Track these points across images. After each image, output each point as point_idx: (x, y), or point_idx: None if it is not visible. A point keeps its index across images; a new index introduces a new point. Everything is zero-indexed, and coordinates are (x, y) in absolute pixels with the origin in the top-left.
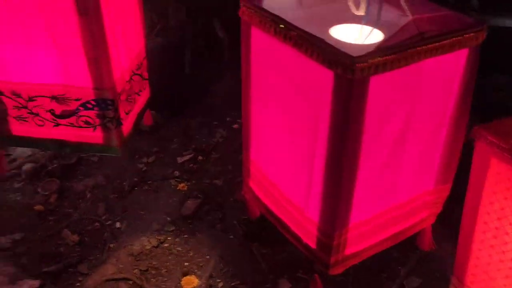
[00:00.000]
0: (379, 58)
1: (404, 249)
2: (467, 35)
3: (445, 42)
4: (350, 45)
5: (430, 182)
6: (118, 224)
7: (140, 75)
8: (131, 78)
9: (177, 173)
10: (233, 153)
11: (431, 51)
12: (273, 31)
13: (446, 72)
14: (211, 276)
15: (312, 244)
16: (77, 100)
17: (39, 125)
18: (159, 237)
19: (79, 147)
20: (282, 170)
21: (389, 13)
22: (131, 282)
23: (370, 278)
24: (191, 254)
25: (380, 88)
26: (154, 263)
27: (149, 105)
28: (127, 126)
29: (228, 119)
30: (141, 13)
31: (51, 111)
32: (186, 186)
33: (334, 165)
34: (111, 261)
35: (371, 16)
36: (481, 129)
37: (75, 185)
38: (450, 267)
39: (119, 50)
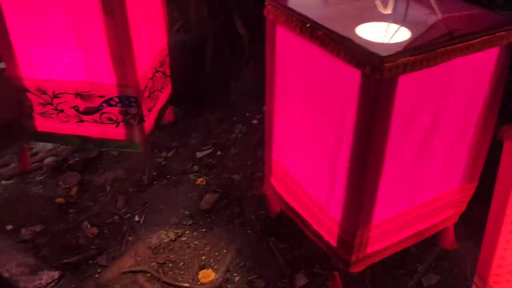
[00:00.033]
0: (408, 58)
1: (423, 245)
2: (498, 34)
3: (475, 41)
4: (378, 44)
5: (456, 181)
6: (137, 218)
7: (163, 72)
8: (153, 75)
9: (196, 167)
10: (251, 148)
11: (461, 50)
12: (299, 30)
13: (475, 71)
14: (228, 270)
15: (333, 242)
16: (101, 97)
17: (64, 122)
18: (177, 231)
19: (101, 143)
20: (305, 168)
21: (416, 11)
22: (148, 274)
23: (388, 274)
24: (208, 248)
25: (408, 87)
26: (172, 256)
27: (171, 101)
28: (149, 122)
29: (247, 114)
30: (164, 10)
31: (75, 108)
32: (205, 181)
33: (358, 165)
34: (129, 254)
35: (398, 14)
36: (510, 128)
37: (95, 179)
38: (469, 264)
39: (143, 48)
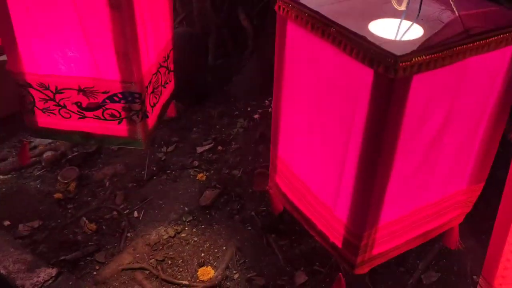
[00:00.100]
0: (423, 57)
1: (423, 243)
2: None
3: (491, 39)
4: (392, 42)
5: (464, 181)
6: (136, 213)
7: (167, 67)
8: (157, 71)
9: (196, 163)
10: (253, 143)
11: (476, 49)
12: (310, 26)
13: (489, 70)
14: (227, 268)
15: (339, 243)
16: (104, 93)
17: (65, 118)
18: (177, 227)
19: (103, 139)
20: (311, 167)
21: (429, 7)
22: (147, 272)
23: (388, 272)
24: (207, 244)
25: (421, 87)
26: (171, 253)
27: (174, 96)
28: (152, 118)
29: (249, 109)
30: (170, 3)
31: (78, 104)
32: (205, 176)
33: (367, 166)
34: (128, 251)
35: (410, 10)
36: None
37: (94, 174)
38: (469, 262)
39: (148, 43)
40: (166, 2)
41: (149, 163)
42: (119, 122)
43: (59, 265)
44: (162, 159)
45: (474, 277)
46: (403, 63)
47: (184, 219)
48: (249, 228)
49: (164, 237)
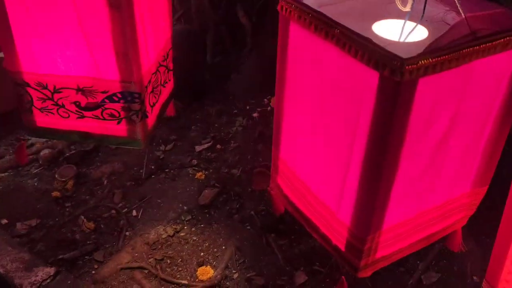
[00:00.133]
0: (429, 60)
1: None
2: None
3: (499, 41)
4: (398, 44)
5: (468, 184)
6: (134, 212)
7: (166, 66)
8: (157, 70)
9: (195, 161)
10: (252, 142)
11: (483, 51)
12: (314, 27)
13: (494, 72)
14: (226, 267)
15: (342, 247)
16: (103, 92)
17: (64, 117)
18: (175, 226)
19: (102, 139)
20: (314, 169)
21: (433, 8)
22: (146, 271)
23: (388, 272)
24: (207, 244)
25: (427, 90)
26: (170, 252)
27: (173, 96)
28: (151, 118)
29: (248, 107)
30: (169, 2)
31: (77, 103)
32: (204, 175)
33: (372, 169)
34: (127, 250)
35: (415, 11)
36: None
37: (92, 172)
38: (469, 262)
39: (148, 42)
40: (165, 0)
41: (148, 162)
42: (118, 122)
43: (57, 264)
44: (161, 157)
45: (475, 277)
46: (410, 66)
47: (183, 218)
48: (249, 227)
49: (163, 236)
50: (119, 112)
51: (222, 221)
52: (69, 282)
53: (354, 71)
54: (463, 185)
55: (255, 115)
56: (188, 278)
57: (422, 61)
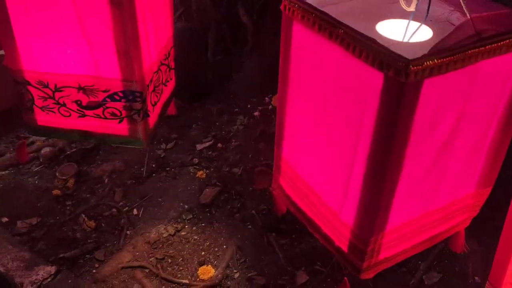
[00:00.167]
0: (435, 61)
1: None
2: None
3: (504, 42)
4: (401, 44)
5: (472, 185)
6: (135, 211)
7: (167, 65)
8: (158, 69)
9: (196, 160)
10: (253, 141)
11: (488, 52)
12: (317, 27)
13: (499, 73)
14: (227, 266)
15: (344, 248)
16: (105, 91)
17: (65, 116)
18: (176, 225)
19: (104, 138)
20: (317, 170)
21: (437, 8)
22: (147, 270)
23: (390, 272)
24: (208, 243)
25: (432, 91)
26: (171, 251)
27: (174, 94)
28: (153, 117)
29: (249, 106)
30: (170, 0)
31: (78, 102)
32: (205, 174)
33: (376, 170)
34: (128, 249)
35: (418, 11)
36: None
37: (93, 170)
38: (471, 263)
39: (149, 41)
40: None
41: (149, 160)
42: (120, 121)
43: (58, 262)
44: (162, 156)
45: (476, 278)
46: (415, 67)
47: (184, 217)
48: (250, 226)
49: (164, 235)
50: (120, 111)
51: (223, 220)
52: (69, 281)
53: (358, 71)
54: (467, 186)
55: (256, 113)
56: (189, 277)
57: (428, 62)
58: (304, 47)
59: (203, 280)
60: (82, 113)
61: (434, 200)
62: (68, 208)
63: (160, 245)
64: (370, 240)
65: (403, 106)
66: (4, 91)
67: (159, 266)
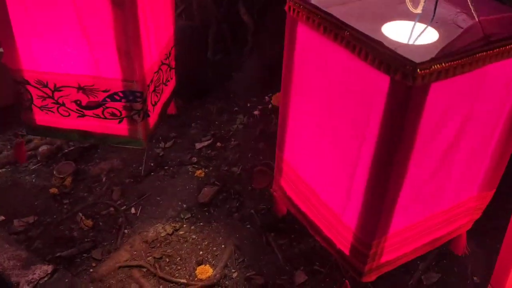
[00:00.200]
0: (442, 64)
1: None
2: None
3: None
4: (407, 46)
5: (475, 188)
6: (133, 210)
7: (168, 65)
8: (159, 69)
9: (194, 159)
10: (252, 140)
11: (496, 55)
12: (323, 29)
13: (505, 76)
14: (226, 266)
15: (346, 251)
16: (105, 91)
17: (64, 116)
18: (174, 224)
19: (103, 138)
20: (319, 172)
21: (443, 9)
22: (145, 269)
23: (388, 272)
24: (206, 242)
25: (438, 95)
26: (169, 251)
27: (175, 94)
28: (153, 117)
29: (248, 105)
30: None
31: (77, 102)
32: (204, 173)
33: (380, 174)
34: (125, 248)
35: (425, 12)
36: None
37: (91, 168)
38: (470, 263)
39: (150, 40)
40: None
41: (147, 159)
42: (120, 121)
43: (54, 261)
44: (160, 154)
45: (475, 278)
46: (422, 71)
47: (182, 216)
48: (248, 226)
49: (162, 235)
50: (120, 111)
51: (221, 220)
52: (66, 280)
53: (363, 74)
54: (470, 189)
55: (256, 113)
56: (187, 277)
57: (435, 66)
58: (308, 49)
59: (201, 280)
60: (81, 113)
61: (438, 203)
62: (65, 206)
63: (158, 244)
64: (373, 244)
65: (409, 110)
66: (1, 89)
67: (156, 265)
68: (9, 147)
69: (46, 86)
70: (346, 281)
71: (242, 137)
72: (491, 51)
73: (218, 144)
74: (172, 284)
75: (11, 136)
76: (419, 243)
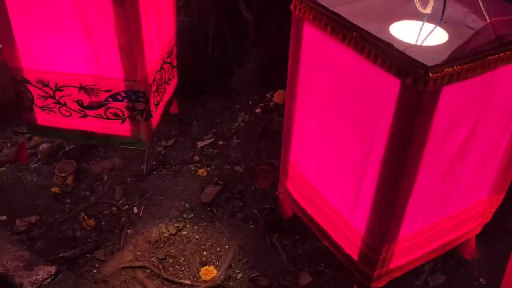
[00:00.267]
0: (454, 67)
1: None
2: None
3: None
4: (416, 47)
5: (485, 192)
6: (135, 209)
7: (170, 63)
8: (161, 67)
9: (196, 157)
10: (254, 139)
11: (508, 58)
12: (330, 30)
13: None
14: (230, 267)
15: (355, 256)
16: (107, 91)
17: (66, 116)
18: (177, 224)
19: (105, 139)
20: (326, 175)
21: (452, 9)
22: (148, 270)
23: None
24: (209, 243)
25: (450, 98)
26: (172, 251)
27: (177, 93)
28: (156, 117)
29: (250, 102)
30: None
31: (79, 102)
32: (206, 172)
33: (390, 178)
34: (128, 248)
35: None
36: None
37: (92, 167)
38: (476, 264)
39: (152, 39)
40: None
41: (148, 157)
42: (122, 122)
43: (57, 262)
44: (162, 153)
45: (481, 279)
46: (434, 74)
47: (185, 216)
48: (252, 226)
49: (165, 235)
50: (123, 112)
51: (225, 220)
52: (70, 281)
53: (372, 76)
54: (480, 193)
55: (257, 110)
56: (191, 278)
57: (447, 69)
58: (315, 49)
59: (205, 281)
60: (83, 113)
61: (447, 207)
62: (67, 206)
63: (162, 245)
64: (382, 250)
65: (420, 114)
66: (1, 86)
67: (160, 266)
68: (9, 145)
69: (47, 85)
70: (355, 286)
71: (244, 135)
72: (503, 54)
73: (220, 142)
74: (176, 285)
75: (11, 134)
76: (428, 248)
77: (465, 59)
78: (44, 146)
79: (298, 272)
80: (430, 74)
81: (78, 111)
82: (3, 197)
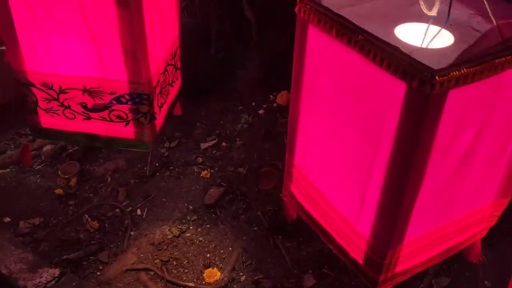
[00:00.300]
0: (461, 71)
1: None
2: None
3: None
4: (422, 50)
5: (491, 195)
6: (139, 211)
7: (174, 65)
8: (165, 70)
9: (200, 159)
10: (258, 140)
11: None
12: (335, 32)
13: None
14: (233, 269)
15: (360, 260)
16: (111, 94)
17: (70, 118)
18: (181, 226)
19: (109, 141)
20: (331, 179)
21: (457, 11)
22: (152, 273)
23: None
24: (213, 245)
25: (456, 102)
26: (176, 253)
27: (180, 95)
28: (160, 119)
29: (253, 104)
30: None
31: (83, 104)
32: (209, 174)
33: (395, 183)
34: (132, 250)
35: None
36: None
37: (95, 169)
38: (481, 267)
39: (156, 41)
40: None
41: (152, 159)
42: (126, 124)
43: (61, 264)
44: (165, 155)
45: (486, 282)
46: (441, 78)
47: (188, 218)
48: (255, 228)
49: (169, 237)
50: (127, 114)
51: (228, 222)
52: (74, 284)
53: (378, 79)
54: (486, 197)
55: (261, 112)
56: (195, 280)
57: (454, 72)
58: (319, 52)
59: (209, 284)
60: (87, 115)
61: (453, 211)
62: (70, 208)
63: (165, 247)
64: (388, 254)
65: (426, 118)
66: (2, 86)
67: (164, 268)
68: (12, 146)
69: (51, 88)
70: None
71: (247, 137)
72: (510, 57)
73: (223, 144)
74: None
75: (14, 135)
76: (434, 252)
77: (472, 62)
78: (47, 147)
79: (302, 275)
80: (436, 77)
81: (82, 113)
82: (6, 199)
